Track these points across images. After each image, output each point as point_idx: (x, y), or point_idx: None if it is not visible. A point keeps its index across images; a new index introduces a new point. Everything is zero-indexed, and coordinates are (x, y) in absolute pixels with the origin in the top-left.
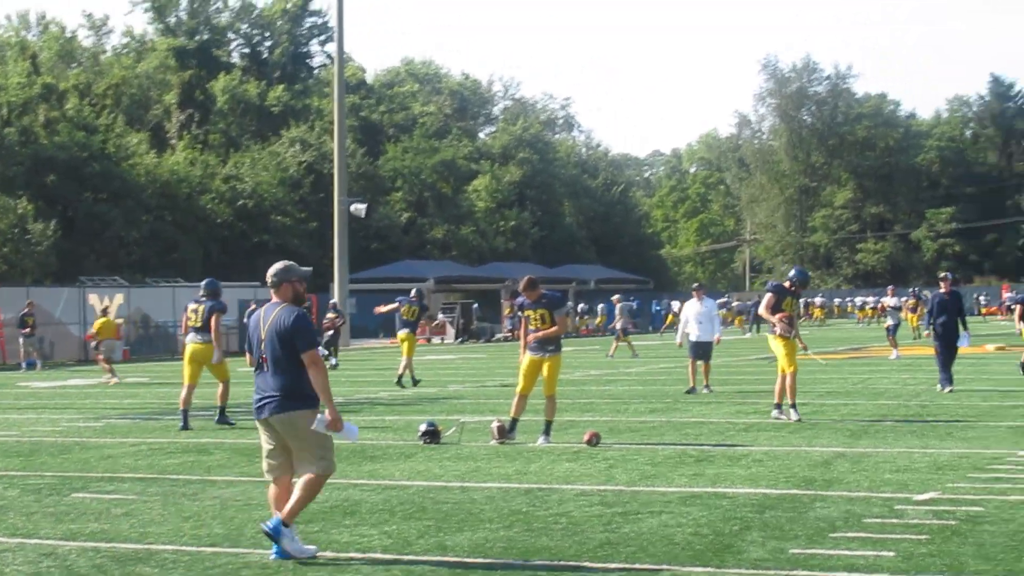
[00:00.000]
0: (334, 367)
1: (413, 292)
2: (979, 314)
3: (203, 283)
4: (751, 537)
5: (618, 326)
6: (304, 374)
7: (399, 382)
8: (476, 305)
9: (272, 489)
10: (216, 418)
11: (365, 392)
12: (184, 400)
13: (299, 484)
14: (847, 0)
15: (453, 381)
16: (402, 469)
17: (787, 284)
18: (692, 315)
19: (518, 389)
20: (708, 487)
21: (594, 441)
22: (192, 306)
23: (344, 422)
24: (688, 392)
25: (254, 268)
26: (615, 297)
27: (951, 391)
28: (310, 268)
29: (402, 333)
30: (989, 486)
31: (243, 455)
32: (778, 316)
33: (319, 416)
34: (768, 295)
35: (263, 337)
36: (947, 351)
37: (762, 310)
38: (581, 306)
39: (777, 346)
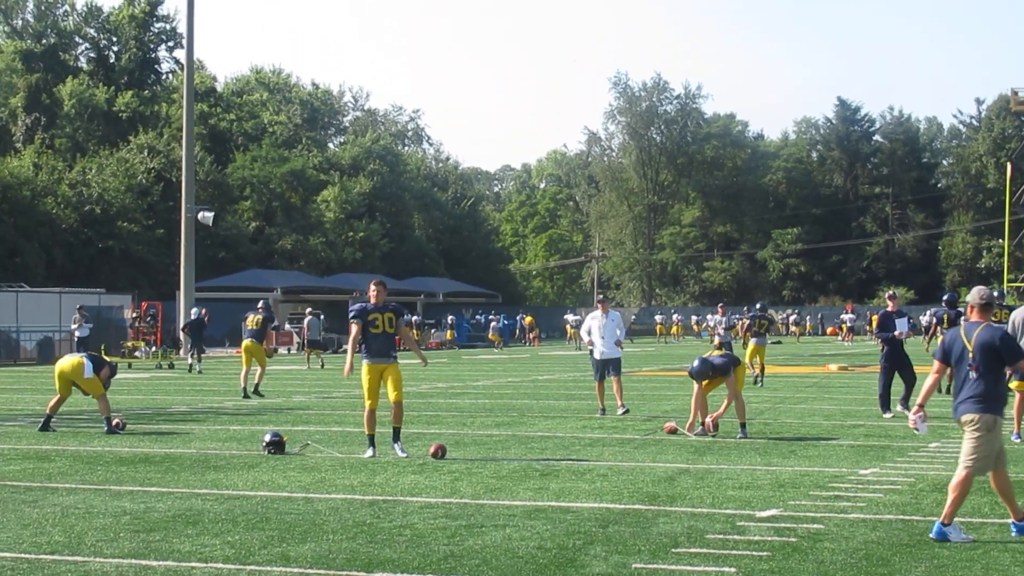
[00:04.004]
0: (199, 372)
1: (260, 303)
2: (822, 334)
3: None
4: (594, 551)
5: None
6: (999, 383)
7: (256, 392)
8: (322, 316)
9: (992, 481)
10: (105, 429)
11: (210, 401)
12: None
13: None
14: (698, 21)
15: (299, 392)
16: (246, 479)
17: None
18: (596, 329)
19: (368, 406)
20: (552, 501)
21: (440, 454)
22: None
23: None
24: (602, 414)
25: (98, 274)
26: (308, 310)
27: (896, 414)
28: (994, 291)
29: (247, 343)
30: (830, 504)
31: (84, 463)
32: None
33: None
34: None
35: (970, 349)
36: (892, 370)
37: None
38: (416, 318)
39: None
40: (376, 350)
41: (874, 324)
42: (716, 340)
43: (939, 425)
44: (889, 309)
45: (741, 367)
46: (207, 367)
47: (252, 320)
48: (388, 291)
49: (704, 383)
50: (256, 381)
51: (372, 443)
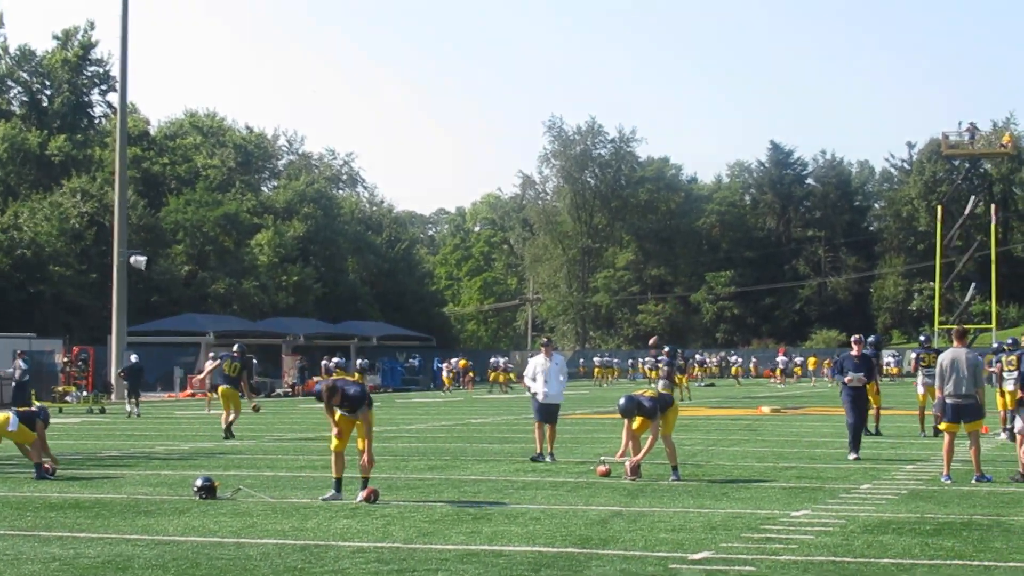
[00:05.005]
0: (137, 416)
1: (235, 348)
2: (756, 376)
3: None
4: None
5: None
6: None
7: (230, 433)
8: (255, 360)
9: None
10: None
11: (141, 446)
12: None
13: None
14: (632, 64)
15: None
16: (176, 524)
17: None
18: (540, 373)
19: (334, 447)
20: (485, 545)
21: (372, 498)
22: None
23: None
24: (534, 459)
25: (30, 318)
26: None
27: (856, 458)
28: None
29: (223, 388)
30: (761, 546)
31: (13, 508)
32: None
33: None
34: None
35: None
36: (855, 413)
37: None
38: (361, 361)
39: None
40: (347, 409)
41: (811, 366)
42: (661, 384)
43: (871, 467)
44: (853, 353)
45: (672, 410)
46: (142, 411)
47: (229, 366)
48: (324, 336)
49: (636, 422)
50: (224, 424)
51: (337, 487)
